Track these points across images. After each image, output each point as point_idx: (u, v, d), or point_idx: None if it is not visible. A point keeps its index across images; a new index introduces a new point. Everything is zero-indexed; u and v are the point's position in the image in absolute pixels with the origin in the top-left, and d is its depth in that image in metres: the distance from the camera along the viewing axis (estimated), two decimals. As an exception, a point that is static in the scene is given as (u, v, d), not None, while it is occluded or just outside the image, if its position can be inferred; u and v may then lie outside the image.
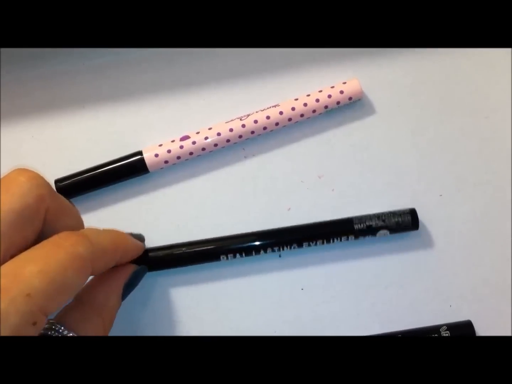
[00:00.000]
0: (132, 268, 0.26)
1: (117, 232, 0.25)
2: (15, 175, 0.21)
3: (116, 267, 0.25)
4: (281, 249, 0.28)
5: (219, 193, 0.30)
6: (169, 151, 0.29)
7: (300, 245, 0.28)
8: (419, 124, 0.31)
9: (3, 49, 0.31)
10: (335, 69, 0.31)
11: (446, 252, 0.29)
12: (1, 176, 0.21)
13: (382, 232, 0.28)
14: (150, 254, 0.28)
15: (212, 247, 0.28)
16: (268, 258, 0.29)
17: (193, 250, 0.28)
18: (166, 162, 0.29)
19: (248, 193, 0.30)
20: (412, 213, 0.28)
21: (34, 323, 0.18)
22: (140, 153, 0.29)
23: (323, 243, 0.28)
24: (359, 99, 0.30)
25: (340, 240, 0.28)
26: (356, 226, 0.28)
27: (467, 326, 0.28)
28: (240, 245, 0.28)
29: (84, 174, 0.29)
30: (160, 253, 0.28)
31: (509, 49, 0.31)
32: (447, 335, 0.27)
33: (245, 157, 0.30)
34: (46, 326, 0.21)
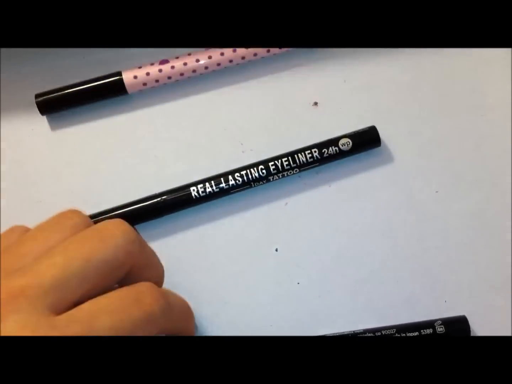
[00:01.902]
0: None
1: (188, 305, 0.26)
2: (112, 226, 0.21)
3: None
4: (249, 177, 0.29)
5: (206, 147, 0.31)
6: (148, 74, 0.30)
7: (268, 173, 0.29)
8: (417, 122, 0.31)
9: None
10: (332, 67, 0.31)
11: (442, 248, 0.29)
12: (97, 224, 0.21)
13: (344, 142, 0.29)
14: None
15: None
16: (264, 253, 0.29)
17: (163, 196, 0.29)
18: (144, 84, 0.30)
19: (225, 120, 0.31)
20: (371, 128, 0.30)
21: None
22: (119, 73, 0.30)
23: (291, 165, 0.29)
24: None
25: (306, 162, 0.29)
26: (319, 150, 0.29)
27: (462, 321, 0.28)
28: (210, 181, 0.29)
29: (64, 90, 0.30)
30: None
31: (505, 48, 0.31)
32: (441, 329, 0.27)
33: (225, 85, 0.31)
34: None
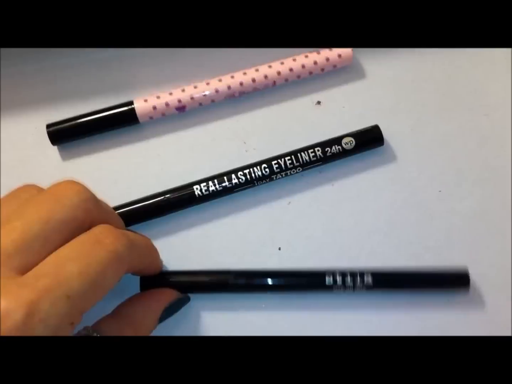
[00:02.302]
0: (176, 294, 0.27)
1: (149, 240, 0.26)
2: (65, 187, 0.21)
3: (161, 290, 0.26)
4: (252, 176, 0.29)
5: (210, 146, 0.31)
6: (163, 115, 0.30)
7: (271, 171, 0.29)
8: (419, 121, 0.31)
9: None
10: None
11: (445, 247, 0.29)
12: (49, 188, 0.22)
13: (347, 141, 0.29)
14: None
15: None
16: (267, 252, 0.29)
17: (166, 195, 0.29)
18: (156, 112, 0.30)
19: (238, 147, 0.31)
20: (374, 127, 0.30)
21: (72, 323, 0.19)
22: (131, 103, 0.30)
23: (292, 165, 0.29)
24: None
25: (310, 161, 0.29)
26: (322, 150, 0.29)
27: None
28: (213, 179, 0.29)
29: (76, 120, 0.30)
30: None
31: (508, 48, 0.31)
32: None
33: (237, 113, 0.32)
34: (84, 331, 0.22)
